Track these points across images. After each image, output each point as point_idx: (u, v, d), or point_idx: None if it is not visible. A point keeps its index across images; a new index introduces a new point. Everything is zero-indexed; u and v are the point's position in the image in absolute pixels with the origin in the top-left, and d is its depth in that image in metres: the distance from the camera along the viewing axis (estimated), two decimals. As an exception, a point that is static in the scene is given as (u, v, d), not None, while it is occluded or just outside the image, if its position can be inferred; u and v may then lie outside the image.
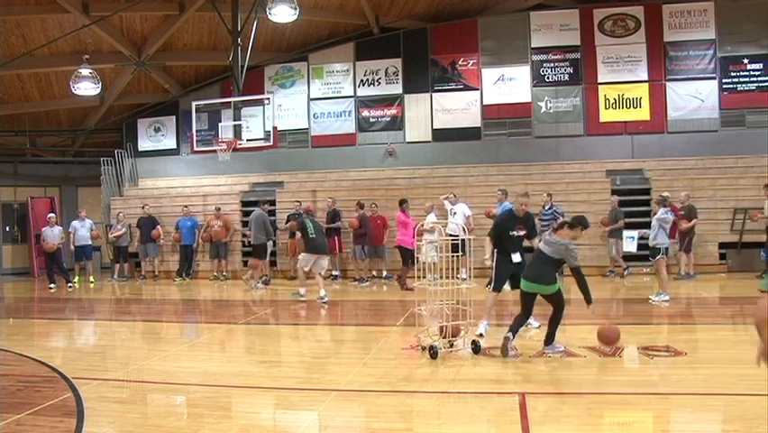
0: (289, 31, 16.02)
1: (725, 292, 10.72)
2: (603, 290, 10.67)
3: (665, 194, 11.37)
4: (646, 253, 9.70)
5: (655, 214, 9.51)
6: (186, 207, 15.21)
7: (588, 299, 5.78)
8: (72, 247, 14.30)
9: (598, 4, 15.63)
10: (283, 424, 4.47)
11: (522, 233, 7.13)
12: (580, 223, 6.03)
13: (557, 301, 5.93)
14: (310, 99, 17.02)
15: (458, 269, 6.80)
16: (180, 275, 14.76)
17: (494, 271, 7.08)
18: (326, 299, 10.04)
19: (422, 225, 7.79)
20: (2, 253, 18.45)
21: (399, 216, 11.97)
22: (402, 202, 12.09)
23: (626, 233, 9.91)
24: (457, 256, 6.37)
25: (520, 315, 6.09)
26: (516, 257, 7.00)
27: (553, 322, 5.93)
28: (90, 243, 14.61)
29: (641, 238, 10.14)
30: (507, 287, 7.30)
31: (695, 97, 15.16)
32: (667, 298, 9.06)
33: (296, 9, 12.52)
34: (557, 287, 5.90)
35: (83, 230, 14.33)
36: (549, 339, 5.97)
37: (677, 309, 8.61)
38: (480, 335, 6.64)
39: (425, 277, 6.62)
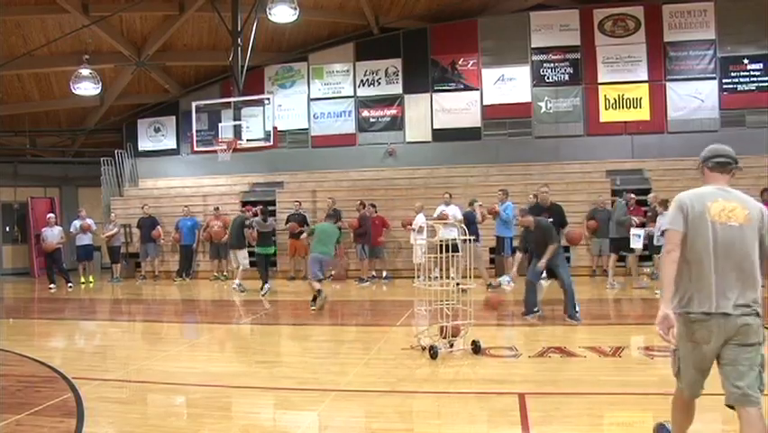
0: (289, 31, 16.00)
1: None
2: (601, 288, 10.68)
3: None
4: (646, 252, 9.79)
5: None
6: (186, 207, 15.21)
7: None
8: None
9: (598, 4, 15.62)
10: (283, 424, 4.47)
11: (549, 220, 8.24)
12: None
13: None
14: (310, 99, 17.01)
15: (448, 269, 6.99)
16: (180, 275, 14.74)
17: None
18: (241, 287, 11.80)
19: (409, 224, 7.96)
20: (2, 253, 18.44)
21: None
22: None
23: (633, 231, 9.96)
24: (455, 257, 6.42)
25: None
26: None
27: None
28: (90, 243, 14.59)
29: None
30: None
31: (695, 97, 15.15)
32: None
33: (296, 9, 12.51)
34: None
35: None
36: None
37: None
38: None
39: (418, 277, 6.64)
